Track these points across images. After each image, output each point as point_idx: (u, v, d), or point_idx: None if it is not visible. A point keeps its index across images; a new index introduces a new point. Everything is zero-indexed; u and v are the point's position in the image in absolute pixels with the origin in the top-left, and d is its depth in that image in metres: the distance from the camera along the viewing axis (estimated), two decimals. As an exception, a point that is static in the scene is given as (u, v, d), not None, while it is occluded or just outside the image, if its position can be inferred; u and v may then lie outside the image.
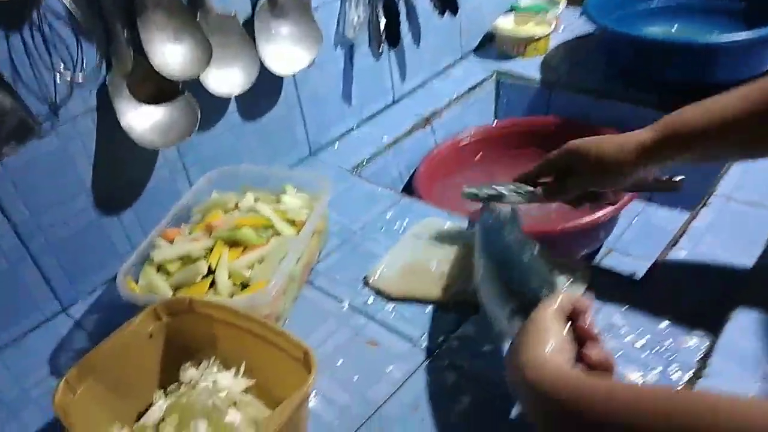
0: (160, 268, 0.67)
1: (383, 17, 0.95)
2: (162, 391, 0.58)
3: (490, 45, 1.23)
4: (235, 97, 0.82)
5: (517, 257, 0.58)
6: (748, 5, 1.03)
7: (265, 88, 0.85)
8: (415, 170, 1.03)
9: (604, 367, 0.45)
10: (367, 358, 0.63)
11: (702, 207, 0.75)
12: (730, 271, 0.66)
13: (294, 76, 0.89)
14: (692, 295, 0.64)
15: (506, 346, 0.52)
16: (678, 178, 0.67)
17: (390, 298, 0.70)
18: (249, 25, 0.78)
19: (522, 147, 1.08)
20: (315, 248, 0.75)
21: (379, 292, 0.71)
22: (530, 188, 0.70)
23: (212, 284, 0.65)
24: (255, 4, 0.79)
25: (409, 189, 1.03)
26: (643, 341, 0.60)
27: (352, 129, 1.03)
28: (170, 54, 0.69)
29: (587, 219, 0.84)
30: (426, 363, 0.62)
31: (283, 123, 0.91)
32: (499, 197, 0.70)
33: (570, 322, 0.48)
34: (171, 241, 0.70)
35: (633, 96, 1.02)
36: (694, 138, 0.58)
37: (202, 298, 0.61)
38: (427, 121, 1.07)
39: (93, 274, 0.76)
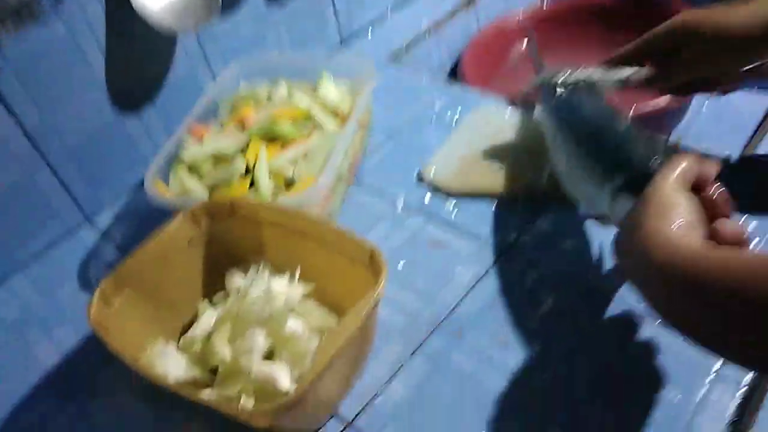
0: (191, 170, 0.60)
1: None
2: (207, 301, 0.52)
3: None
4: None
5: (609, 129, 0.50)
6: None
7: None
8: (458, 57, 0.93)
9: (737, 243, 0.37)
10: (432, 261, 0.56)
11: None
12: None
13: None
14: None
15: (611, 230, 0.45)
16: None
17: (449, 195, 0.62)
18: None
19: (580, 29, 0.96)
20: (360, 144, 0.67)
21: (436, 189, 0.63)
22: (626, 72, 0.58)
23: (251, 185, 0.57)
24: None
25: (454, 77, 0.93)
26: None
27: (387, 13, 0.92)
28: None
29: (655, 103, 0.74)
30: (499, 263, 0.55)
31: (311, 6, 0.80)
32: (586, 86, 0.59)
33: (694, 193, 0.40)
34: (200, 139, 0.62)
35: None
36: None
37: (246, 198, 0.54)
38: (470, 1, 0.95)
39: (116, 180, 0.69)
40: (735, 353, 0.34)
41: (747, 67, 0.54)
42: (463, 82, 0.85)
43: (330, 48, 0.86)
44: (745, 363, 0.35)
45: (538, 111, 0.63)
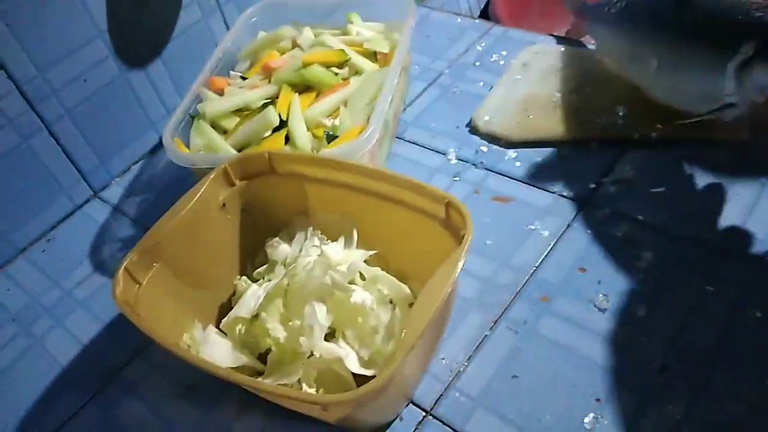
0: (214, 127, 0.52)
1: None
2: (244, 277, 0.44)
3: None
4: None
5: (691, 9, 0.44)
6: None
7: None
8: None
9: None
10: (501, 217, 0.49)
11: None
12: None
13: None
14: None
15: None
16: None
17: (509, 144, 0.55)
18: None
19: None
20: (403, 90, 0.59)
21: (493, 138, 0.55)
22: None
23: (287, 141, 0.49)
24: None
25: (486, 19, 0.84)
26: None
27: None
28: None
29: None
30: (580, 216, 0.48)
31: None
32: None
33: None
34: (220, 93, 0.54)
35: None
36: None
37: (285, 152, 0.46)
38: (497, -62, 0.86)
39: (125, 147, 0.60)
40: None
41: None
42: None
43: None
44: None
45: (598, 32, 0.56)
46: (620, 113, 0.53)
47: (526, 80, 0.59)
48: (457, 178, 0.53)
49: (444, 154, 0.55)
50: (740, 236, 0.44)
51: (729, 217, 0.45)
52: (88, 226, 0.57)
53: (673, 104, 0.48)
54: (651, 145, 0.51)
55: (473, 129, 0.57)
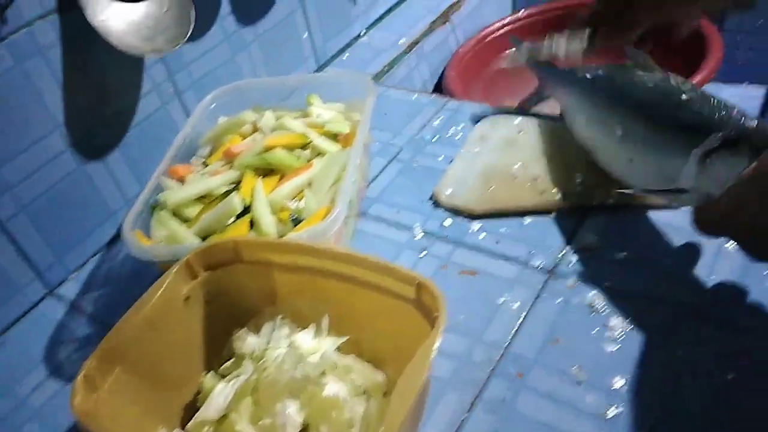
0: (175, 216, 0.51)
1: None
2: (210, 373, 0.43)
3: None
4: (228, -8, 0.63)
5: (674, 95, 0.47)
6: None
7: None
8: (441, 74, 0.87)
9: None
10: (470, 291, 0.49)
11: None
12: None
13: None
14: None
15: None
16: None
17: (473, 216, 0.55)
18: None
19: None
20: (364, 169, 0.59)
21: (457, 211, 0.56)
22: (586, 32, 0.59)
23: (251, 226, 0.49)
24: None
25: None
26: None
27: (362, 34, 0.86)
28: None
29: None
30: (548, 285, 0.48)
31: (285, 29, 0.74)
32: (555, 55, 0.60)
33: None
34: (182, 181, 0.53)
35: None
36: None
37: (251, 239, 0.45)
38: (445, 16, 0.90)
39: (83, 241, 0.59)
40: None
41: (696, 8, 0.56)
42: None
43: (308, 73, 0.79)
44: None
45: (565, 97, 0.58)
46: (578, 180, 0.54)
47: (484, 152, 0.61)
48: (425, 253, 0.53)
49: (410, 229, 0.56)
50: (704, 296, 0.44)
51: (692, 277, 0.46)
52: (44, 326, 0.54)
53: (626, 178, 0.49)
54: (611, 210, 0.52)
55: (436, 203, 0.57)
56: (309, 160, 0.53)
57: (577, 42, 0.60)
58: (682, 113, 0.45)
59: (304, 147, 0.55)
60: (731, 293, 0.44)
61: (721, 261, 0.46)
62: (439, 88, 0.88)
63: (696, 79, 0.72)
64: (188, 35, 0.56)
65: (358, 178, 0.54)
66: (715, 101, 0.45)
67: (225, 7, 0.65)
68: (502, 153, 0.60)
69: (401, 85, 0.83)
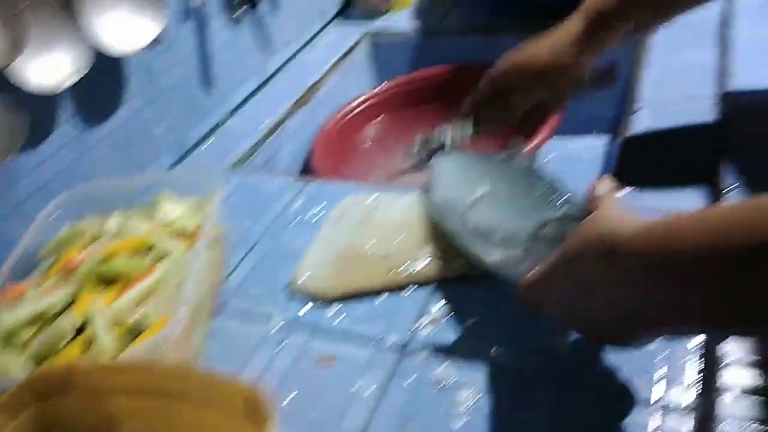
0: (8, 343, 0.48)
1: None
2: None
3: (354, 6, 1.11)
4: (67, 95, 0.62)
5: (515, 177, 0.54)
6: None
7: (104, 80, 0.67)
8: (307, 153, 0.89)
9: None
10: (326, 382, 0.48)
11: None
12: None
13: (138, 62, 0.71)
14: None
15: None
16: (612, 68, 0.63)
17: (331, 299, 0.56)
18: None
19: (417, 105, 0.97)
20: (218, 263, 0.58)
21: (315, 296, 0.56)
22: (471, 122, 0.66)
23: (88, 346, 0.47)
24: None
25: (307, 174, 0.89)
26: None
27: (224, 120, 0.86)
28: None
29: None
30: (402, 363, 0.48)
31: (136, 125, 0.73)
32: (443, 146, 0.66)
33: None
34: (17, 301, 0.51)
35: (517, 27, 0.95)
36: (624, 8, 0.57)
37: (84, 363, 0.43)
38: (308, 95, 0.92)
39: None
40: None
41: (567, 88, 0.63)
42: (317, 177, 0.81)
43: (167, 167, 0.78)
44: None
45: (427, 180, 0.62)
46: (428, 256, 0.56)
47: (341, 233, 0.62)
48: (281, 346, 0.52)
49: (267, 321, 0.55)
50: (550, 361, 0.46)
51: (539, 343, 0.48)
52: None
53: (472, 251, 0.52)
54: (461, 280, 0.54)
55: (294, 289, 0.57)
56: (154, 263, 0.52)
57: (462, 129, 0.67)
58: (523, 195, 0.51)
59: (149, 250, 0.53)
60: (577, 358, 0.46)
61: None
62: (307, 167, 0.90)
63: (542, 133, 0.77)
64: (21, 145, 0.54)
65: (207, 276, 0.54)
66: (552, 186, 0.51)
67: (66, 111, 0.64)
68: (357, 232, 0.61)
69: (268, 166, 0.84)
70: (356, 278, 0.56)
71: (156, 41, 0.67)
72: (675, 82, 0.72)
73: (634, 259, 0.34)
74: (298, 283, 0.57)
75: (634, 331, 0.37)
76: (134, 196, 0.61)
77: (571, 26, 0.59)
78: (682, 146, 0.63)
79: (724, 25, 0.79)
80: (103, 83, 0.67)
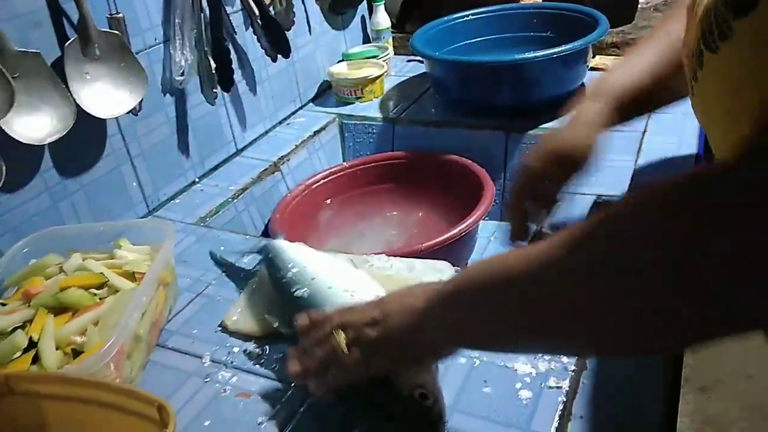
0: (-35, 355, 0.54)
1: (213, 60, 0.91)
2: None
3: (327, 93, 1.23)
4: (51, 149, 0.72)
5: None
6: (555, 33, 1.13)
7: (86, 139, 0.77)
8: (270, 218, 0.98)
9: None
10: (240, 414, 0.55)
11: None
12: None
13: (120, 125, 0.81)
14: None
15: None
16: None
17: (255, 338, 0.63)
18: (59, 66, 0.70)
19: (375, 183, 1.07)
20: (163, 305, 0.65)
21: (245, 337, 0.63)
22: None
23: (36, 360, 0.53)
24: (63, 43, 0.71)
25: (266, 237, 0.97)
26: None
27: (194, 182, 0.96)
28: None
29: (450, 233, 0.83)
30: (309, 402, 0.55)
31: (113, 179, 0.82)
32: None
33: None
34: (-22, 321, 0.57)
35: (468, 122, 1.06)
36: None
37: (21, 372, 0.49)
38: (275, 166, 1.02)
39: None
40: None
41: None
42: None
43: (136, 218, 0.86)
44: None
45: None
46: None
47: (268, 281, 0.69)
48: (208, 380, 0.59)
49: (200, 357, 0.62)
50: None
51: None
52: None
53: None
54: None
55: (225, 330, 0.64)
56: (104, 298, 0.60)
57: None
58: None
59: (101, 286, 0.61)
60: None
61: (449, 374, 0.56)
62: (266, 231, 0.98)
63: (474, 216, 0.86)
64: (-1, 188, 0.62)
65: (150, 313, 0.61)
66: None
67: (47, 162, 0.73)
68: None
69: (230, 226, 0.92)
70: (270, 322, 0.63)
71: (137, 108, 0.78)
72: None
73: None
74: (228, 323, 0.64)
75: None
76: (97, 240, 0.69)
77: (594, 112, 0.63)
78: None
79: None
80: (85, 140, 0.77)
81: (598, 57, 1.17)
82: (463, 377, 0.55)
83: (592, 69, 1.11)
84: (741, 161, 0.29)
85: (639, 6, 1.29)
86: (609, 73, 0.66)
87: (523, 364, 0.55)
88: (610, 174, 0.83)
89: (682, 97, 0.58)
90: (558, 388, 0.53)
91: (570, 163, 0.64)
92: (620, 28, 1.24)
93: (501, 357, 0.56)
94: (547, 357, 0.55)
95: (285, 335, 0.60)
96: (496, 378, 0.54)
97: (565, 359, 0.55)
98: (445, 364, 0.56)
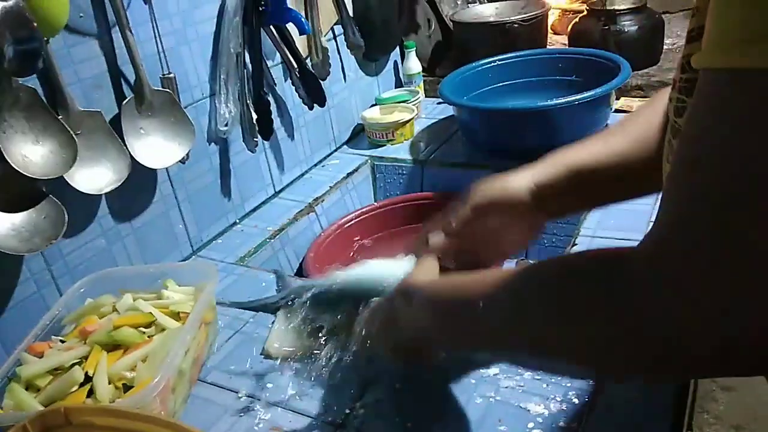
0: (30, 386, 0.60)
1: (254, 112, 0.98)
2: None
3: (361, 136, 1.29)
4: (107, 197, 0.79)
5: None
6: (580, 76, 1.17)
7: (139, 187, 0.84)
8: (304, 257, 1.03)
9: None
10: (271, 445, 0.59)
11: (571, 247, 0.81)
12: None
13: (169, 173, 0.88)
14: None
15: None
16: None
17: (296, 359, 0.68)
18: (117, 122, 0.78)
19: (403, 223, 1.12)
20: (204, 342, 0.71)
21: (285, 360, 0.68)
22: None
23: (91, 393, 0.59)
24: (121, 101, 0.79)
25: (301, 275, 1.02)
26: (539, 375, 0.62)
27: (235, 223, 1.02)
28: (31, 154, 0.66)
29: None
30: (335, 436, 0.59)
31: (161, 222, 0.89)
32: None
33: None
34: (40, 356, 0.64)
35: (495, 164, 1.10)
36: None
37: (78, 405, 0.55)
38: (310, 207, 1.08)
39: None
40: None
41: None
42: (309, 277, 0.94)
43: (182, 258, 0.93)
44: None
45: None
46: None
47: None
48: (244, 414, 0.64)
49: (236, 392, 0.67)
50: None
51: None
52: None
53: None
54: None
55: (267, 356, 0.70)
56: (152, 336, 0.65)
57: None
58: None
59: (149, 325, 0.67)
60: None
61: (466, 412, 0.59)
62: (301, 269, 1.03)
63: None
64: (61, 235, 0.70)
65: (192, 350, 0.66)
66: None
67: (103, 209, 0.80)
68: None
69: (266, 265, 0.98)
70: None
71: (185, 158, 0.85)
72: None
73: (419, 294, 0.51)
74: (271, 349, 0.70)
75: (425, 350, 0.55)
76: (146, 281, 0.75)
77: (522, 186, 0.61)
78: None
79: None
80: (138, 188, 0.84)
81: (622, 99, 1.21)
82: (480, 416, 0.58)
83: (617, 111, 1.14)
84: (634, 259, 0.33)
85: (664, 48, 1.32)
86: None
87: (536, 405, 0.58)
88: (630, 217, 0.86)
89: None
90: (569, 428, 0.55)
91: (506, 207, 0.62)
92: (645, 70, 1.27)
93: (515, 397, 0.59)
94: (559, 398, 0.58)
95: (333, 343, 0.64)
96: (511, 417, 0.57)
97: (576, 401, 0.58)
98: (462, 402, 0.60)
